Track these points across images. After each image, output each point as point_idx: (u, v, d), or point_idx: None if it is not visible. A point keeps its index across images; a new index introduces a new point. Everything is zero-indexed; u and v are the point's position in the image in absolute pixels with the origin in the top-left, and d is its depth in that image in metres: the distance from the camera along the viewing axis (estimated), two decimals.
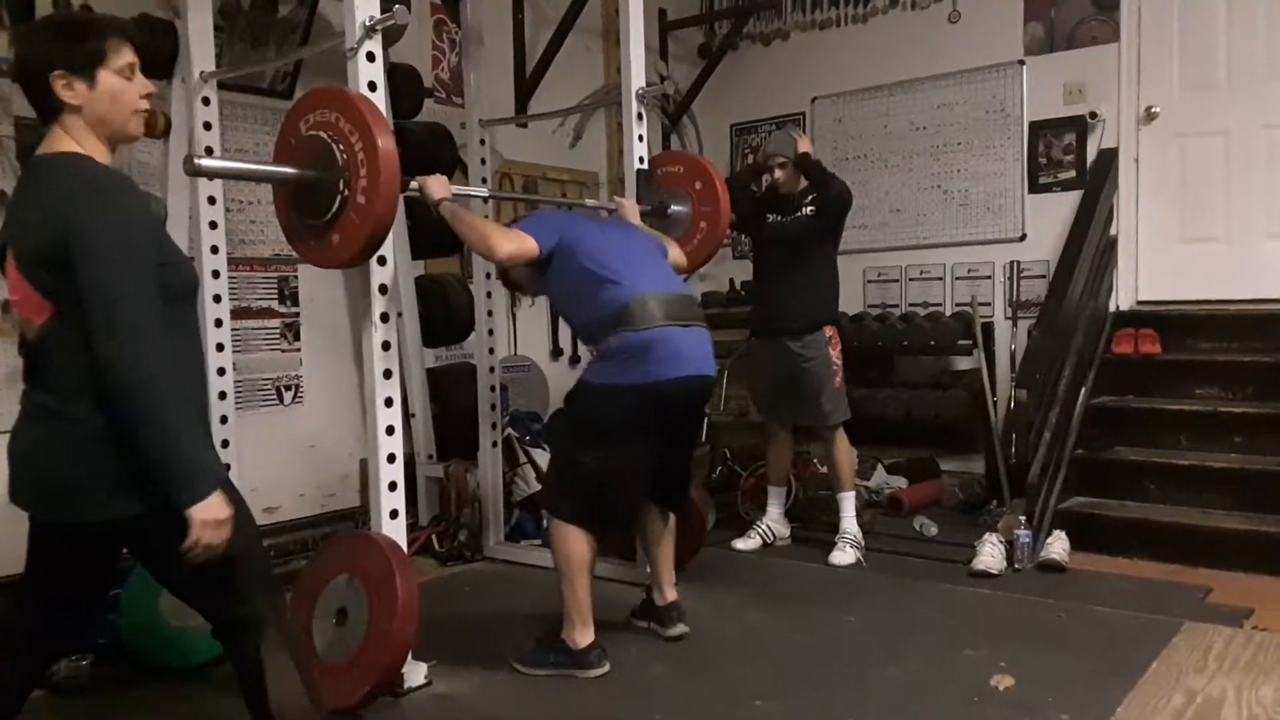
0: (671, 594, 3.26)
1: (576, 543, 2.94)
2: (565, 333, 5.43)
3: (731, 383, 5.32)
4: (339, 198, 2.54)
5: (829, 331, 4.13)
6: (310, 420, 4.35)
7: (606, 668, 2.94)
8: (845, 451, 4.18)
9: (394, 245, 2.82)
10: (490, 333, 4.33)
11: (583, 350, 5.31)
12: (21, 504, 1.91)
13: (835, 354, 4.12)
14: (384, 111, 2.64)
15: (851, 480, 4.22)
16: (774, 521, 4.38)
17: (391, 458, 2.83)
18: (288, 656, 1.97)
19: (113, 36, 1.87)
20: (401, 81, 4.27)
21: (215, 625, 1.99)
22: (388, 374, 2.82)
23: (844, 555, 4.04)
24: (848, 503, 4.17)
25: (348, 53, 2.71)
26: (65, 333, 1.78)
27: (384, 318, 2.80)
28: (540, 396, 5.18)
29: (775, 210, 4.25)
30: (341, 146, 2.53)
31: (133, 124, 1.91)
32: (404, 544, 2.84)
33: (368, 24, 2.69)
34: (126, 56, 1.88)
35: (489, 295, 4.32)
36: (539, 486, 4.27)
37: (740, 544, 4.29)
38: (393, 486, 2.83)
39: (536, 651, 3.01)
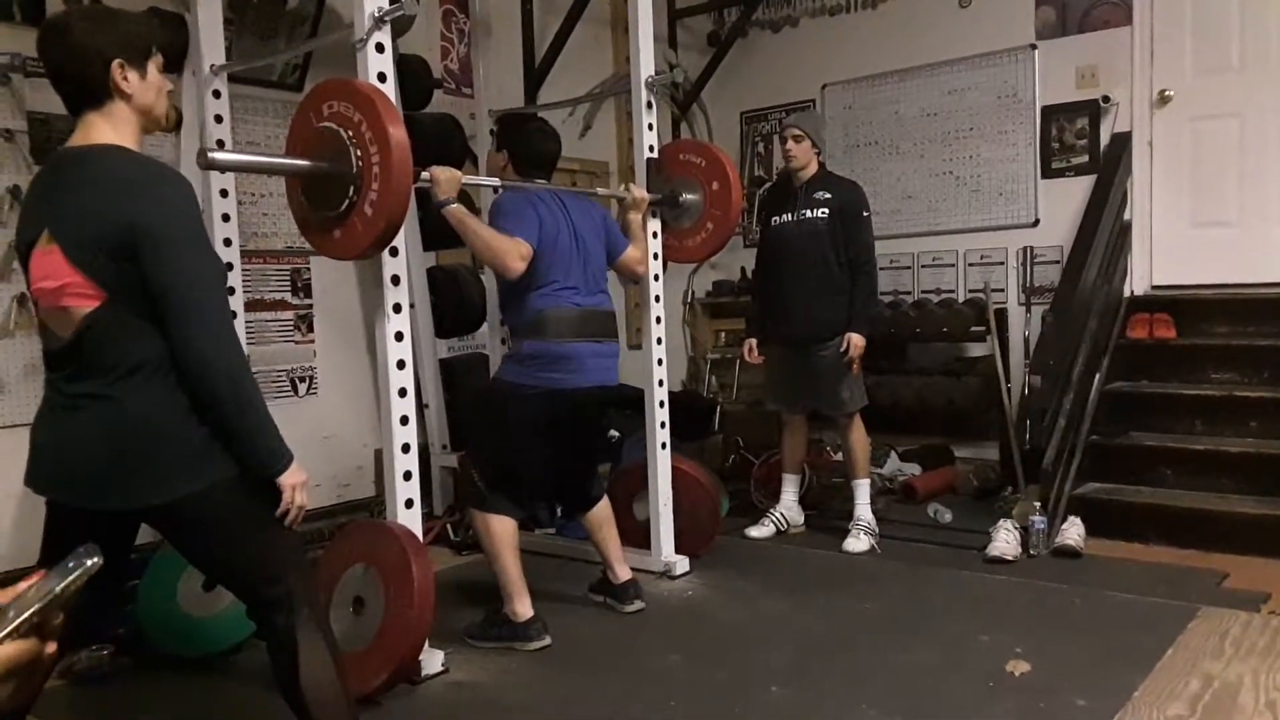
0: (625, 573, 3.43)
1: (497, 524, 3.11)
2: None
3: (744, 370, 5.31)
4: (352, 190, 2.54)
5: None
6: (325, 411, 4.37)
7: (547, 640, 3.08)
8: (860, 439, 4.17)
9: (406, 236, 2.82)
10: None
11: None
12: (56, 494, 1.91)
13: None
14: (394, 103, 2.64)
15: (866, 467, 4.21)
16: (788, 509, 4.38)
17: (406, 448, 2.85)
18: (321, 636, 1.99)
19: (155, 34, 1.97)
20: (411, 73, 4.27)
21: (250, 605, 2.02)
22: (401, 364, 2.83)
23: (858, 542, 4.05)
24: (862, 490, 4.17)
25: (357, 44, 2.72)
26: (117, 318, 1.81)
27: (397, 308, 2.81)
28: None
29: (782, 210, 4.17)
30: (354, 139, 2.53)
31: (164, 116, 1.99)
32: (419, 533, 2.86)
33: (377, 15, 2.69)
34: (160, 55, 1.96)
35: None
36: None
37: (754, 531, 4.29)
38: (408, 476, 2.85)
39: (481, 626, 3.16)
